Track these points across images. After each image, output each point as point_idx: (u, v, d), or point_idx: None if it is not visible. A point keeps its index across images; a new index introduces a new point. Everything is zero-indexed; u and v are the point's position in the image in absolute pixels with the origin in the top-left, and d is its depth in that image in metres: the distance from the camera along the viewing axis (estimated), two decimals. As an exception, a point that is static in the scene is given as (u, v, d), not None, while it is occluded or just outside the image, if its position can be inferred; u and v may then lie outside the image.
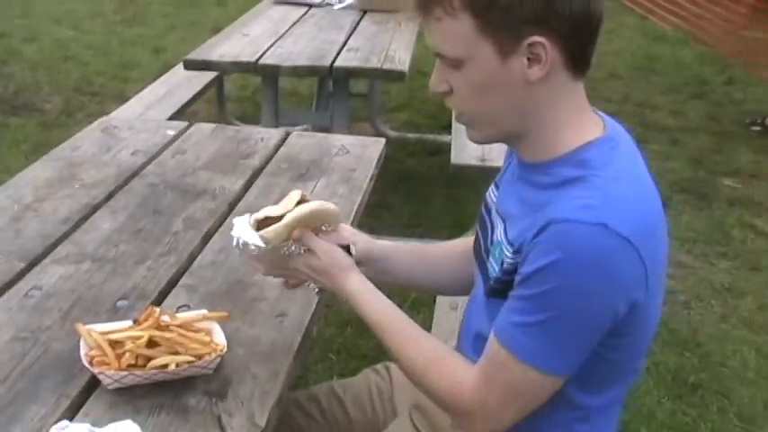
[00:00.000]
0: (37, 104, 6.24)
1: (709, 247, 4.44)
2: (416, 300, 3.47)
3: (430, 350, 1.52)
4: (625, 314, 1.35)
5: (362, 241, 1.70)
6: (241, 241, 1.55)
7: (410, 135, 5.70)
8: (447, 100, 1.47)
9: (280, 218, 1.53)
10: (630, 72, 7.73)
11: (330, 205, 1.60)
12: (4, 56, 7.36)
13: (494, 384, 1.41)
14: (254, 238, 1.53)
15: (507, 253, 1.45)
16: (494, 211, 1.60)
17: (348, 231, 1.68)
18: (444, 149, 4.62)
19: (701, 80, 7.55)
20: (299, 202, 1.56)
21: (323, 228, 1.59)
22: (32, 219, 2.16)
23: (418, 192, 4.82)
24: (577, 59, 1.40)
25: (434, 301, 2.90)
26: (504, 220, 1.52)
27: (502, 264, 1.46)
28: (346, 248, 1.61)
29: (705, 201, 5.01)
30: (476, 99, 1.43)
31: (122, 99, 5.91)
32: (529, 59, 1.36)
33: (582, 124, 1.45)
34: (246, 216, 1.58)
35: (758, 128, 6.21)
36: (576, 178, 1.38)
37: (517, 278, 1.39)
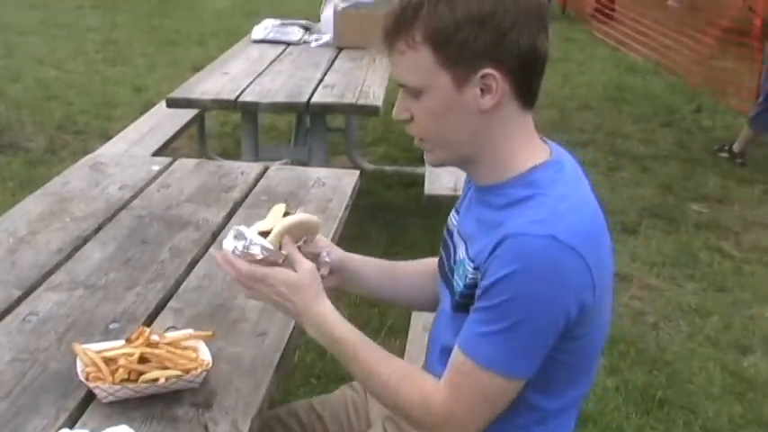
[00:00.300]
0: (22, 143, 6.36)
1: (677, 270, 4.60)
2: (392, 326, 3.61)
3: (400, 369, 1.63)
4: (576, 316, 1.49)
5: (337, 252, 1.86)
6: (242, 245, 1.64)
7: (387, 168, 5.86)
8: (408, 127, 1.62)
9: (269, 232, 1.66)
10: (602, 102, 7.94)
11: (313, 217, 1.75)
12: (-11, 96, 7.50)
13: (462, 394, 1.53)
14: (263, 242, 1.64)
15: (469, 269, 1.58)
16: (455, 234, 1.74)
17: (324, 242, 1.83)
18: (420, 181, 4.77)
19: (670, 109, 7.78)
20: (285, 214, 1.69)
21: (303, 240, 1.72)
22: (27, 250, 2.29)
23: (395, 222, 4.97)
24: (525, 92, 1.55)
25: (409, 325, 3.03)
26: (464, 241, 1.67)
27: (465, 279, 1.60)
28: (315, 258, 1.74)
29: (674, 225, 5.18)
30: (433, 125, 1.58)
31: (105, 137, 6.05)
32: (482, 90, 1.51)
33: (530, 150, 1.60)
34: (242, 227, 1.68)
35: (725, 154, 6.41)
36: (526, 197, 1.53)
37: (478, 292, 1.53)
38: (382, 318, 3.74)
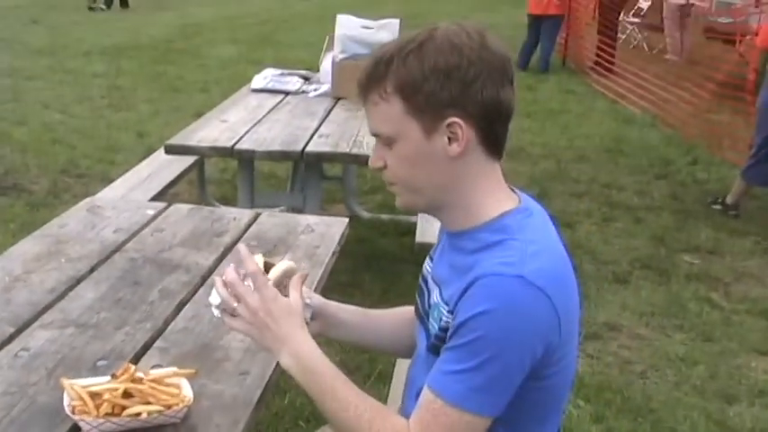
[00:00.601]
0: (25, 185, 6.47)
1: (665, 320, 4.66)
2: (382, 372, 3.66)
3: (374, 406, 1.68)
4: (542, 356, 1.56)
5: (316, 297, 1.94)
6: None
7: (383, 216, 5.94)
8: (383, 174, 1.72)
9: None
10: (599, 154, 8.05)
11: (293, 264, 1.82)
12: (-5, 138, 7.63)
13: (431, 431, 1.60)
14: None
15: (444, 312, 1.66)
16: (429, 280, 1.82)
17: (304, 288, 1.87)
18: (414, 230, 4.86)
19: (666, 161, 7.87)
20: (264, 263, 1.76)
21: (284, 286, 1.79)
22: (22, 289, 2.38)
23: (389, 270, 5.04)
24: (490, 140, 1.65)
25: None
26: (438, 285, 1.74)
27: (440, 321, 1.67)
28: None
29: (664, 276, 5.25)
30: (405, 171, 1.67)
31: (107, 181, 6.14)
32: (449, 138, 1.61)
33: (498, 198, 1.69)
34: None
35: (718, 206, 6.49)
36: (496, 242, 1.61)
37: (450, 332, 1.60)
38: (372, 363, 3.80)
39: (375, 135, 1.68)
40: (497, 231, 1.63)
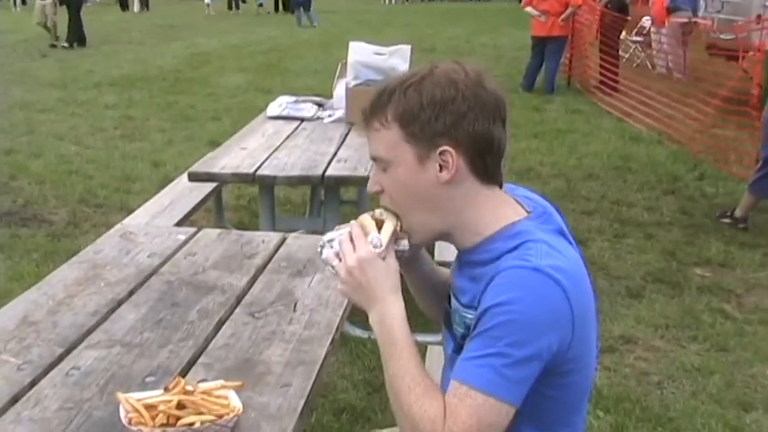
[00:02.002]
0: (45, 216, 6.59)
1: (680, 332, 4.75)
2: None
3: (426, 385, 1.73)
4: (557, 351, 1.66)
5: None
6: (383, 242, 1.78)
7: (399, 237, 6.01)
8: (380, 198, 1.83)
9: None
10: (607, 171, 8.15)
11: (395, 222, 1.84)
12: (13, 171, 7.78)
13: (458, 417, 1.65)
14: (380, 236, 1.78)
15: (467, 315, 1.77)
16: (450, 294, 1.92)
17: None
18: (429, 249, 4.96)
19: (674, 177, 7.98)
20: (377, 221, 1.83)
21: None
22: (66, 312, 2.49)
23: (405, 288, 5.12)
24: (481, 171, 1.76)
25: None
26: (458, 296, 1.85)
27: (464, 322, 1.78)
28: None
29: (677, 289, 5.34)
30: (400, 195, 1.79)
31: (126, 210, 6.28)
32: (440, 166, 1.73)
33: (503, 213, 1.78)
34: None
35: (727, 220, 6.58)
36: (513, 247, 1.71)
37: (473, 324, 1.70)
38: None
39: (374, 159, 1.81)
40: (511, 238, 1.73)
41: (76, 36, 18.49)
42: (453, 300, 1.86)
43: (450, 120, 1.71)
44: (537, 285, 1.63)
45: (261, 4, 31.53)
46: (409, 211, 1.80)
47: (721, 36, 12.52)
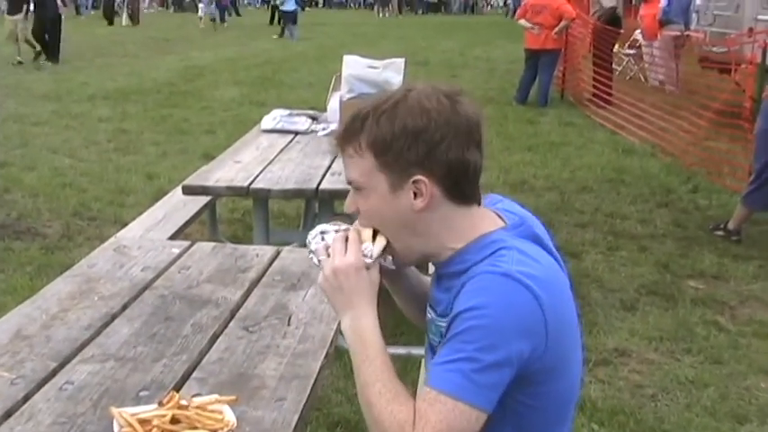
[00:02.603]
0: (38, 229, 6.57)
1: (674, 344, 4.75)
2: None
3: (396, 391, 1.73)
4: (530, 358, 1.65)
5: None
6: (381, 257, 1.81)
7: (392, 249, 6.02)
8: (358, 220, 1.84)
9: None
10: (601, 184, 8.17)
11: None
12: (6, 184, 7.76)
13: (428, 421, 1.65)
14: (372, 247, 1.80)
15: (441, 324, 1.77)
16: (427, 306, 1.93)
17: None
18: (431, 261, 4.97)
19: (667, 189, 8.00)
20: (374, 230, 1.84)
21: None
22: (60, 326, 2.48)
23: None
24: (456, 194, 1.77)
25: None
26: (434, 308, 1.86)
27: (439, 332, 1.78)
28: None
29: (671, 302, 5.34)
30: (374, 219, 1.81)
31: (120, 223, 6.27)
32: (414, 193, 1.74)
33: (479, 228, 1.79)
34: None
35: (721, 232, 6.59)
36: (486, 256, 1.71)
37: (444, 330, 1.71)
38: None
39: (349, 183, 1.82)
40: (485, 247, 1.74)
41: (53, 52, 17.72)
42: (430, 311, 1.88)
43: (423, 150, 1.71)
44: (507, 291, 1.64)
45: (213, 19, 30.41)
46: (388, 235, 1.81)
47: (714, 49, 12.56)
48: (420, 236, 1.78)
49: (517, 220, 1.83)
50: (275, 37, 24.23)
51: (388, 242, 1.81)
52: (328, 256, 1.82)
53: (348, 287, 1.80)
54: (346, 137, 1.78)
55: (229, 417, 1.89)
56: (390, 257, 1.84)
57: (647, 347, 4.70)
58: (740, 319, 5.12)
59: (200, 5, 30.64)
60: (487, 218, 1.82)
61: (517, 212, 1.87)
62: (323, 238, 1.85)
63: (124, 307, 2.65)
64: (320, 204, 4.89)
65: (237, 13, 33.60)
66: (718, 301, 5.38)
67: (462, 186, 1.77)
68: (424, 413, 1.65)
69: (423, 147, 1.70)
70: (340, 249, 1.81)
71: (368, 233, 1.81)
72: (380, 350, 1.77)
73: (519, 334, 1.64)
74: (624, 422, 3.89)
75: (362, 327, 1.79)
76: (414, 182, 1.72)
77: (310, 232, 1.89)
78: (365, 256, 1.79)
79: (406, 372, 4.21)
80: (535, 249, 1.76)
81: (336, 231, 1.85)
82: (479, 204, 1.82)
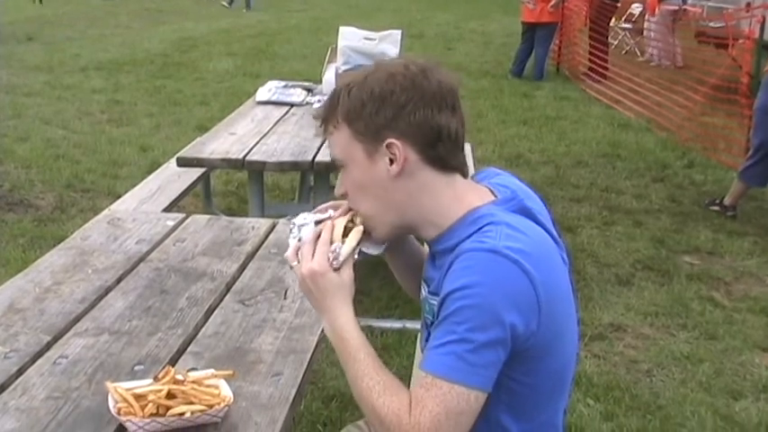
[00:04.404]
0: (31, 201, 6.52)
1: (669, 320, 4.75)
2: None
3: (389, 379, 1.73)
4: (524, 334, 1.64)
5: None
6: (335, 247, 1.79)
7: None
8: (348, 201, 1.84)
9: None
10: (596, 159, 8.14)
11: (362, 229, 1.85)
12: (-1, 155, 7.69)
13: (425, 407, 1.63)
14: (342, 247, 1.78)
15: (433, 302, 1.76)
16: (422, 282, 1.92)
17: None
18: (420, 237, 4.94)
19: (663, 164, 7.98)
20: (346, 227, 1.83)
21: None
22: (53, 299, 2.45)
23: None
24: (435, 160, 1.76)
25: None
26: (427, 284, 1.85)
27: (432, 311, 1.77)
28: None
29: (666, 277, 5.34)
30: (359, 195, 1.81)
31: (113, 195, 6.24)
32: (390, 159, 1.75)
33: (467, 201, 1.78)
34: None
35: (716, 208, 6.59)
36: (473, 232, 1.70)
37: (436, 310, 1.70)
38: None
39: (333, 162, 1.84)
40: (473, 223, 1.72)
41: None
42: (424, 287, 1.87)
43: (391, 112, 1.73)
44: (495, 267, 1.62)
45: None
46: (369, 209, 1.81)
47: (711, 24, 12.53)
48: (399, 206, 1.78)
49: (509, 193, 1.81)
50: (224, 4, 23.20)
51: (361, 237, 1.80)
52: (299, 261, 1.82)
53: (317, 291, 1.80)
54: (326, 116, 1.82)
55: (226, 392, 1.87)
56: (366, 250, 1.84)
57: (642, 323, 4.70)
58: (735, 295, 5.12)
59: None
60: (475, 191, 1.82)
61: (510, 186, 1.85)
62: (298, 238, 1.84)
63: (119, 280, 2.62)
64: (315, 177, 4.86)
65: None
66: (714, 276, 5.38)
67: (440, 150, 1.76)
68: (421, 399, 1.64)
69: (390, 109, 1.73)
70: (307, 254, 1.81)
71: (339, 230, 1.81)
72: (361, 345, 1.76)
73: (510, 310, 1.62)
74: (619, 397, 3.89)
75: (340, 326, 1.79)
76: (387, 146, 1.73)
77: (293, 220, 1.88)
78: (333, 257, 1.77)
79: (402, 345, 4.22)
80: (526, 223, 1.75)
81: (316, 223, 1.84)
82: (465, 176, 1.81)
